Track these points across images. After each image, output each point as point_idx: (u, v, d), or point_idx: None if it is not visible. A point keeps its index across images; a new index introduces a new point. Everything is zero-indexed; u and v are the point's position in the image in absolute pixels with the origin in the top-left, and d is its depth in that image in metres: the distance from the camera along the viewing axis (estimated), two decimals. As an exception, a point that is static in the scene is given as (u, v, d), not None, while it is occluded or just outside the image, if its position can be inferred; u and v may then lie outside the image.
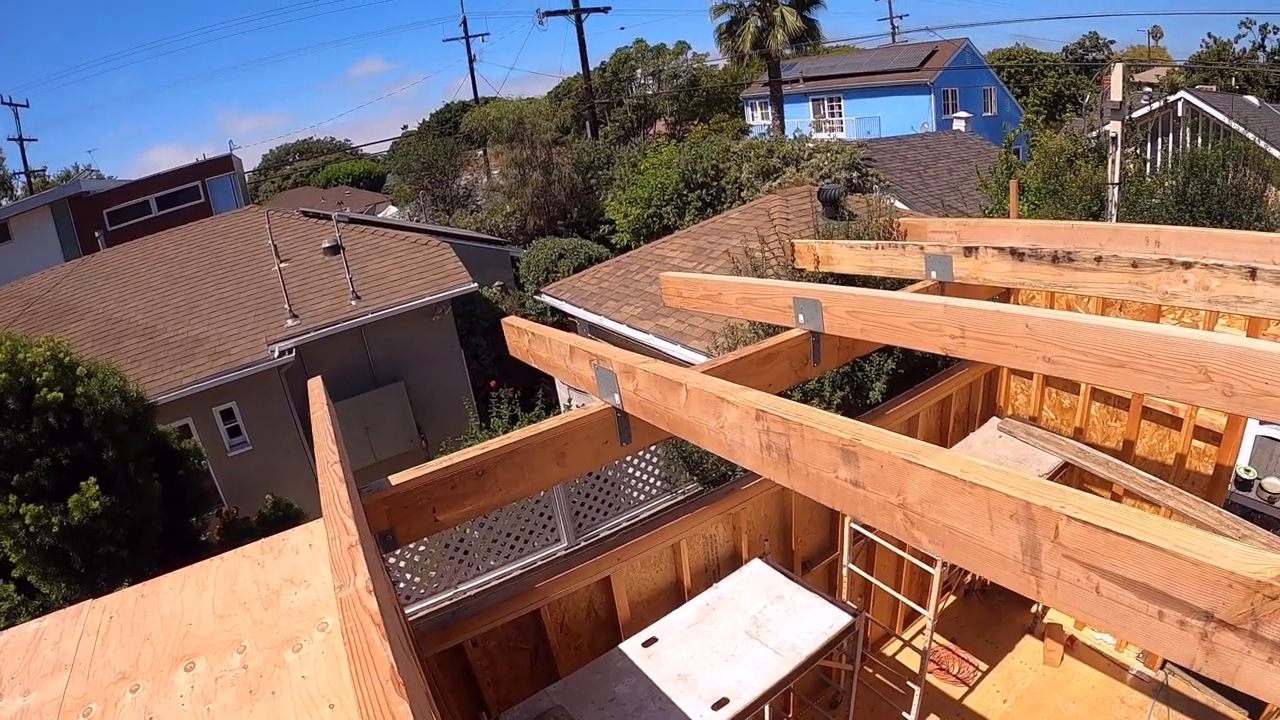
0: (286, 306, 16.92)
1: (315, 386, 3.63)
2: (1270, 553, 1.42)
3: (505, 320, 4.80)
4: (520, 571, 9.18)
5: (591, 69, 45.47)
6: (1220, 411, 6.00)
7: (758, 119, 49.63)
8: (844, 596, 6.31)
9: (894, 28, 58.29)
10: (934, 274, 4.99)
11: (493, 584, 9.03)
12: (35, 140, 73.90)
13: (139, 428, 8.97)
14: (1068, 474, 6.87)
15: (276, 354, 16.08)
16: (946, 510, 1.98)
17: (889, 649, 7.30)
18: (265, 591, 2.59)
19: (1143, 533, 1.57)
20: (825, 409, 7.03)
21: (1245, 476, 7.44)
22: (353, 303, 17.35)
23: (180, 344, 16.28)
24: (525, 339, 4.53)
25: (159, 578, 2.81)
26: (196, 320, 17.08)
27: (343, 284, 17.64)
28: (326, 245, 17.71)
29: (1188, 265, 3.57)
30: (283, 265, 17.42)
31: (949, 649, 7.31)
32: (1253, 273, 3.31)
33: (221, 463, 15.89)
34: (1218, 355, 2.53)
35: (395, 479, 3.36)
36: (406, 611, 7.72)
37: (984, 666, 7.16)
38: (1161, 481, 6.32)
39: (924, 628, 6.18)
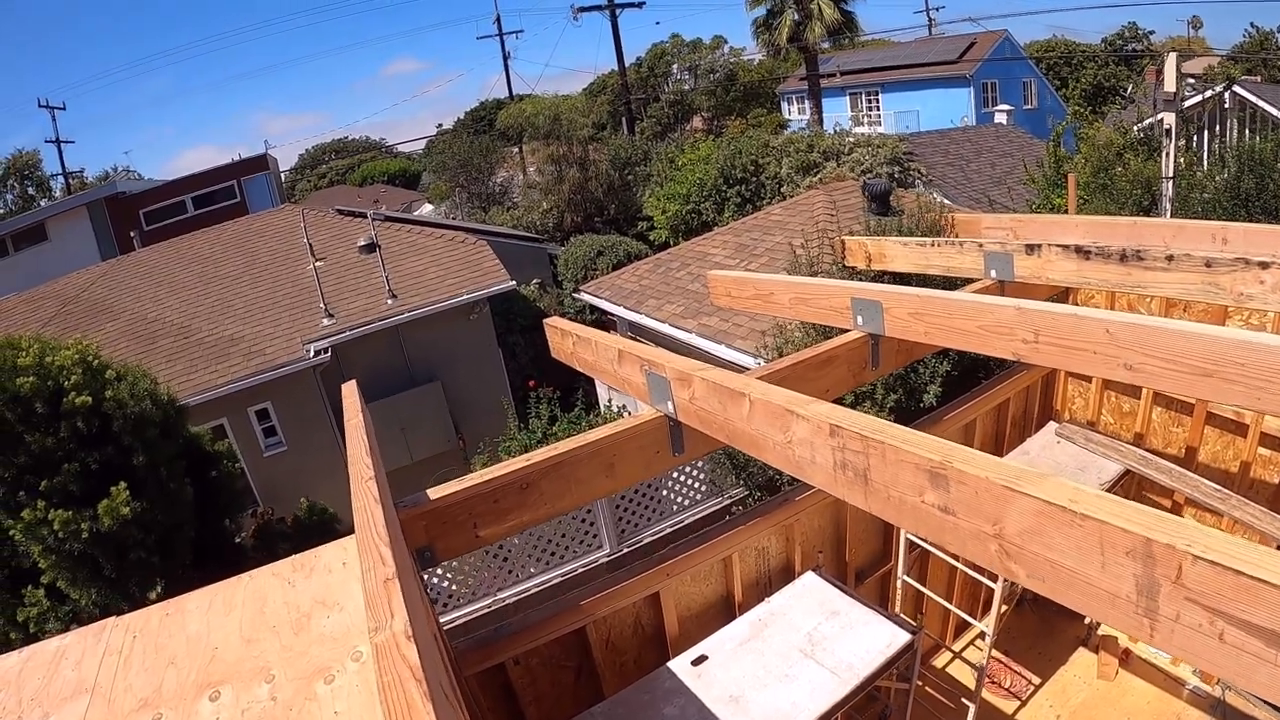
0: (322, 305, 16.88)
1: (349, 393, 3.47)
2: None
3: (548, 321, 4.67)
4: (560, 579, 9.08)
5: (627, 65, 45.39)
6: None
7: (795, 113, 49.40)
8: (897, 609, 6.12)
9: (930, 19, 57.75)
10: (993, 273, 4.83)
11: (532, 591, 8.94)
12: (72, 142, 75.15)
13: (170, 431, 8.89)
14: (1128, 482, 6.63)
15: (312, 353, 16.03)
16: (1050, 543, 1.82)
17: (938, 660, 7.09)
18: (295, 614, 2.48)
19: (1277, 575, 1.43)
20: (877, 413, 6.84)
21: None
22: (389, 301, 17.28)
23: (215, 344, 16.31)
24: (569, 341, 4.39)
25: (185, 595, 2.71)
26: (231, 320, 17.11)
27: (379, 282, 17.57)
28: (362, 243, 17.66)
29: (1264, 265, 3.40)
30: (318, 264, 17.38)
31: (1000, 661, 7.09)
32: (1336, 274, 3.13)
33: (257, 463, 15.93)
34: (1316, 365, 2.36)
35: (434, 493, 3.22)
36: (442, 620, 7.62)
37: (1036, 680, 6.98)
38: (1226, 491, 6.07)
39: (976, 639, 5.98)
